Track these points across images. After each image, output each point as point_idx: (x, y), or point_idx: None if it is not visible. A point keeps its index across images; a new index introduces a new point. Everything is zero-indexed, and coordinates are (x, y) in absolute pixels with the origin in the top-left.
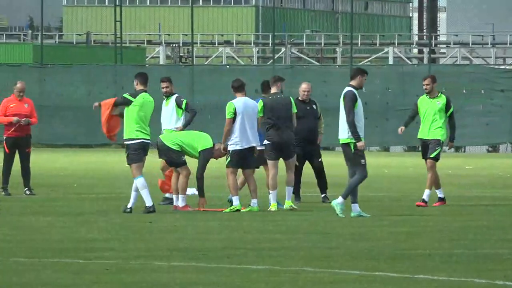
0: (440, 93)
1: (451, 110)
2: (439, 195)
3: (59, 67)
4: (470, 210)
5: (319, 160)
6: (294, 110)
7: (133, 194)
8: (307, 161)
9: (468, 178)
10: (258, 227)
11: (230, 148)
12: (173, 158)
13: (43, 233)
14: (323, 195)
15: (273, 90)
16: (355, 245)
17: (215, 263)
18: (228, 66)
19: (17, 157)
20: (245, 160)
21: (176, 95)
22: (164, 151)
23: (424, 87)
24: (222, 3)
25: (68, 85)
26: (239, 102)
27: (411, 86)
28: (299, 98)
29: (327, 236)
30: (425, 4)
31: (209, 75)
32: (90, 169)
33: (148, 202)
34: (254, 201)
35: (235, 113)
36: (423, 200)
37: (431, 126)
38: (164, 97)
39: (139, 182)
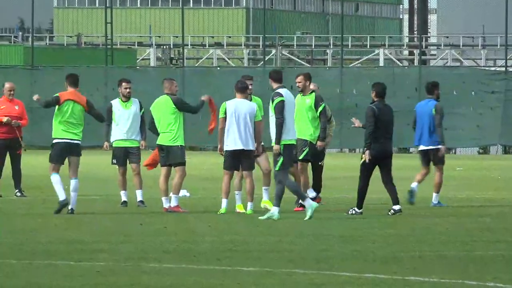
0: (312, 91)
1: (320, 108)
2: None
3: (50, 69)
4: (460, 211)
5: (320, 163)
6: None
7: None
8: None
9: (458, 179)
10: (248, 230)
11: (224, 148)
12: (177, 158)
13: (34, 235)
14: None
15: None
16: (345, 247)
17: (205, 265)
18: (218, 68)
19: (8, 159)
20: (240, 161)
21: (137, 99)
22: (172, 153)
23: (297, 84)
24: (212, 5)
25: (59, 86)
26: (231, 103)
27: (401, 87)
28: None
29: (317, 238)
30: (415, 6)
31: (199, 76)
32: (80, 171)
33: (61, 196)
34: (249, 204)
35: (225, 114)
36: (301, 205)
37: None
38: (124, 98)
39: (53, 178)
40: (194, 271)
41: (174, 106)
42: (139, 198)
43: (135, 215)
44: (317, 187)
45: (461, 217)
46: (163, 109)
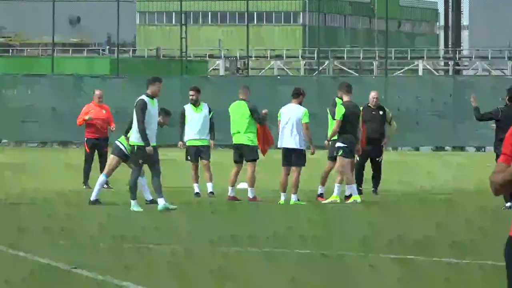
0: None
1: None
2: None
3: (133, 78)
4: (490, 201)
5: (378, 160)
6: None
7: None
8: (369, 158)
9: (488, 173)
10: (304, 218)
11: (278, 146)
12: (253, 155)
13: (118, 221)
14: (373, 189)
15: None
16: (390, 233)
17: (267, 248)
18: (279, 77)
19: (96, 156)
20: (290, 158)
21: (206, 104)
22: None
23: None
24: (274, 22)
25: (141, 93)
26: (285, 108)
27: (438, 94)
28: (368, 104)
29: (367, 225)
30: (450, 23)
31: (262, 84)
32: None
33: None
34: (293, 196)
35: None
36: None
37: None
38: (195, 104)
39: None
40: (258, 253)
41: (249, 112)
42: (209, 189)
43: (206, 204)
44: (376, 180)
45: (490, 206)
46: (240, 112)
